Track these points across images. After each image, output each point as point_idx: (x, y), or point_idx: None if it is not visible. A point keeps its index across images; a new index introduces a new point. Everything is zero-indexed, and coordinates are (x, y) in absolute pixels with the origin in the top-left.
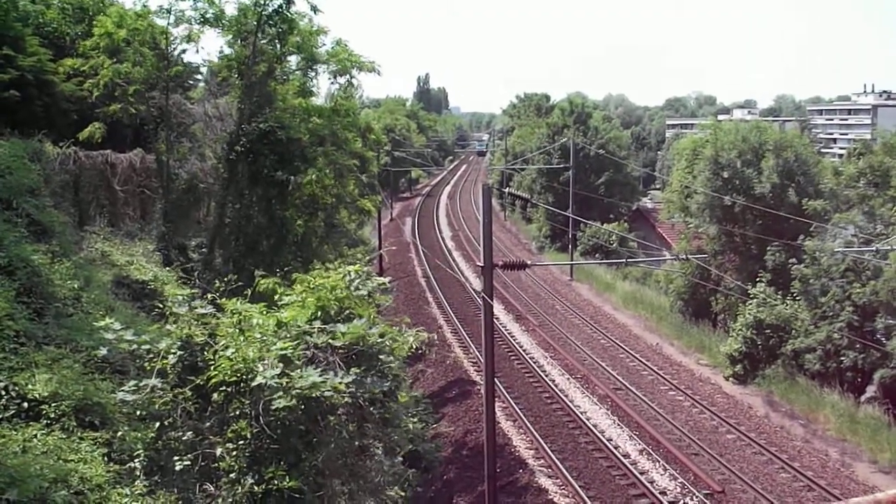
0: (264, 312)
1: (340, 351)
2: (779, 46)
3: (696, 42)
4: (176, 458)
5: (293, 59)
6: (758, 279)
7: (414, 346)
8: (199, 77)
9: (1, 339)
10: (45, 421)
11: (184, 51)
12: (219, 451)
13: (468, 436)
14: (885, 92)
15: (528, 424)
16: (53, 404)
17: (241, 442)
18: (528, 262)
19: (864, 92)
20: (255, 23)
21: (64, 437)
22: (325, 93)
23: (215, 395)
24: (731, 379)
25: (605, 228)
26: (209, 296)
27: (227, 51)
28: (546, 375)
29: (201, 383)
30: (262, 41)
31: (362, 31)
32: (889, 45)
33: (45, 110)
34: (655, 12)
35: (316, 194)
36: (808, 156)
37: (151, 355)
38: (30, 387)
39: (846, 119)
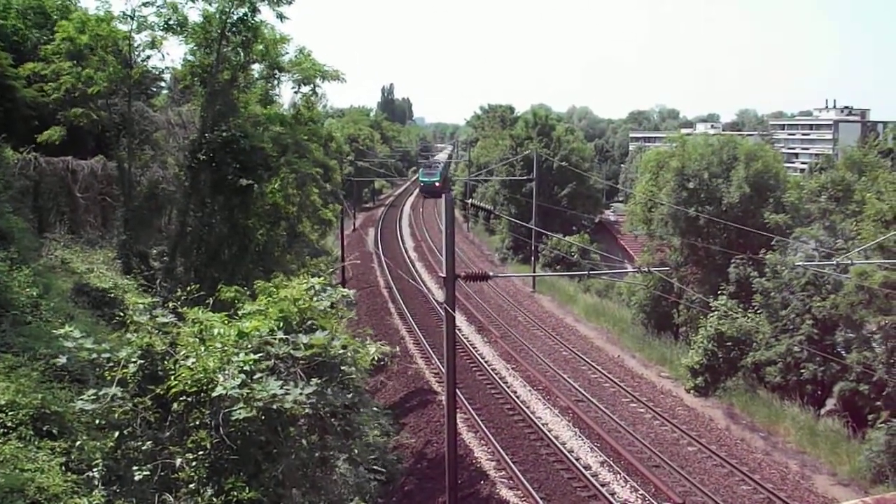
0: (226, 322)
1: (302, 361)
2: (741, 61)
3: (660, 56)
4: (135, 467)
5: (256, 68)
6: (720, 292)
7: (376, 358)
8: (163, 84)
9: None
10: (1, 430)
11: (147, 57)
12: (178, 461)
13: (429, 446)
14: (846, 108)
15: (490, 436)
16: (10, 413)
17: (201, 452)
18: (491, 274)
19: (826, 107)
20: (219, 31)
21: (21, 446)
22: (289, 102)
23: (175, 405)
24: (692, 391)
25: (568, 240)
26: (170, 304)
27: (191, 58)
28: (508, 387)
29: (161, 393)
30: (226, 49)
31: (327, 40)
32: (850, 62)
33: (6, 115)
34: (620, 26)
35: (278, 203)
36: (778, 167)
37: (111, 364)
38: None
39: (808, 134)
